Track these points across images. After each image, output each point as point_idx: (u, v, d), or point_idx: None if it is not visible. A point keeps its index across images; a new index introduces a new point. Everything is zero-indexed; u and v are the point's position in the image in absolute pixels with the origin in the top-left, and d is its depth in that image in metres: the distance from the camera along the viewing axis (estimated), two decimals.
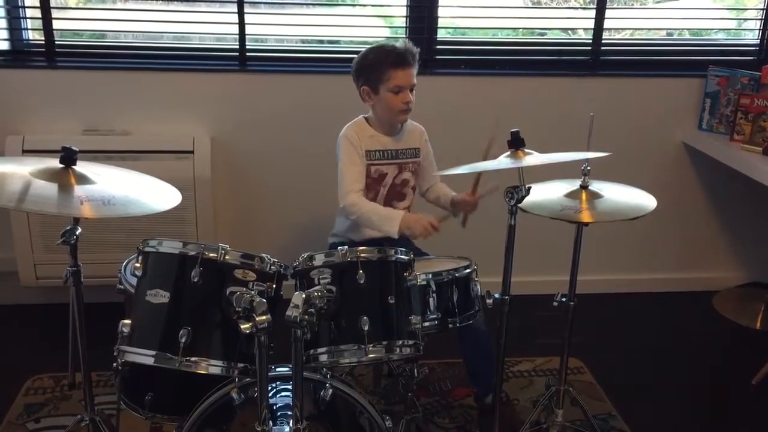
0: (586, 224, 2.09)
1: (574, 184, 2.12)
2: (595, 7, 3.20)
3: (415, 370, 2.00)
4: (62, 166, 1.77)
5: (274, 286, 1.71)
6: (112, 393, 1.94)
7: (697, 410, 2.64)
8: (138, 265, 1.69)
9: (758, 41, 3.41)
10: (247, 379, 1.68)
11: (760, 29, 3.40)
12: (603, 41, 3.27)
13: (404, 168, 2.44)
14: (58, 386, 2.59)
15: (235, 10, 2.99)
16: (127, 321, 1.67)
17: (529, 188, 1.90)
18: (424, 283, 1.85)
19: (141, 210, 1.77)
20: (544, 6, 3.57)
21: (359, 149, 2.37)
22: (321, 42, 3.26)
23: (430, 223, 2.24)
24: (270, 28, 3.15)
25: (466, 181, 2.33)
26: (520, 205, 1.90)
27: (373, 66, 2.32)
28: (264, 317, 1.46)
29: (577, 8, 3.55)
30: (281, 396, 1.74)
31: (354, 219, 2.35)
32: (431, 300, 1.87)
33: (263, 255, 1.70)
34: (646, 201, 2.11)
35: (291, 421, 1.57)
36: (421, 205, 2.54)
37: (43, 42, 2.99)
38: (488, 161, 1.99)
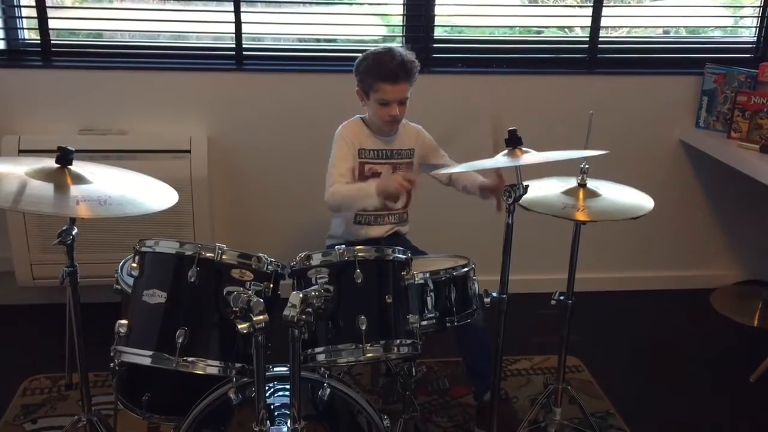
0: (584, 223, 2.09)
1: (570, 182, 2.12)
2: (591, 5, 3.20)
3: (413, 369, 1.98)
4: (58, 165, 1.77)
5: (272, 285, 1.71)
6: (110, 393, 1.94)
7: (695, 408, 2.64)
8: (135, 265, 1.69)
9: (755, 39, 3.41)
10: (245, 379, 1.68)
11: (756, 27, 3.40)
12: (600, 39, 3.26)
13: (398, 168, 2.43)
14: (55, 386, 2.59)
15: (232, 9, 2.99)
16: (124, 321, 1.66)
17: (527, 187, 1.90)
18: (422, 282, 1.84)
19: (137, 210, 1.77)
20: (541, 4, 3.57)
21: (352, 147, 2.37)
22: (318, 41, 3.26)
23: (402, 176, 2.20)
24: (267, 27, 3.15)
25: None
26: (519, 202, 1.90)
27: (365, 73, 2.31)
28: (261, 317, 1.45)
29: (574, 6, 3.55)
30: (279, 396, 1.73)
31: (337, 205, 2.33)
32: (429, 299, 1.86)
33: (260, 254, 1.70)
34: (644, 202, 2.10)
35: (289, 421, 1.56)
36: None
37: (40, 41, 2.98)
38: (486, 159, 1.98)
